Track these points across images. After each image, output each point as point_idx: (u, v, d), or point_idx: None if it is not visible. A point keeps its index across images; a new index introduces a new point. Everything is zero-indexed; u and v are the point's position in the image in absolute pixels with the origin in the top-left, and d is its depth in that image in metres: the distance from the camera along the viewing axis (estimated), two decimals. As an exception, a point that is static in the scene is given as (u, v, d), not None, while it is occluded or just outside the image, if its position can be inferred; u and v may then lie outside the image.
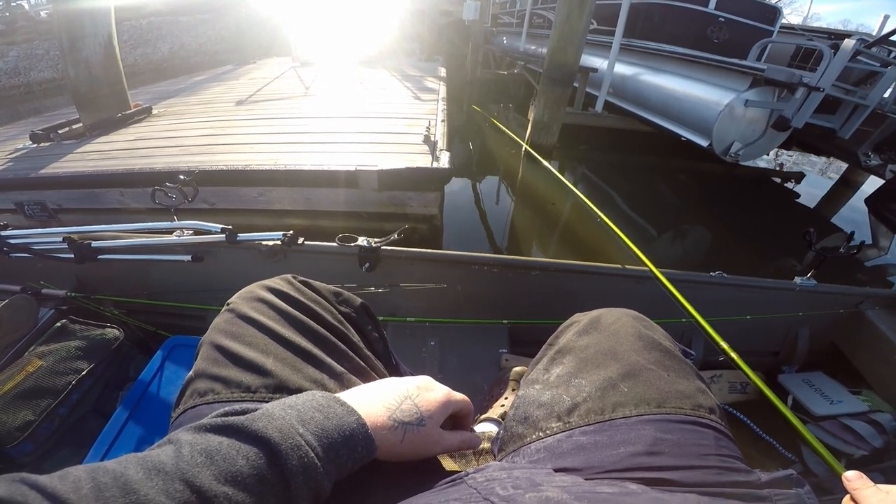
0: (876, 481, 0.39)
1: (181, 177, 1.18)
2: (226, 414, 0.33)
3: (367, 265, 1.14)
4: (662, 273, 1.13)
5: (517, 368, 0.98)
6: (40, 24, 8.42)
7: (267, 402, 0.38)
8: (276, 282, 0.52)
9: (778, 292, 1.24)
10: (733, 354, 0.90)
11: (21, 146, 2.61)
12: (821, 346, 1.34)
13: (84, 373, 0.95)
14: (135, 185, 2.07)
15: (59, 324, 1.05)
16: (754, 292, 1.24)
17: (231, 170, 2.01)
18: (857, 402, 1.17)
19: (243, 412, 0.33)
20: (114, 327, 1.08)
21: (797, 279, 1.24)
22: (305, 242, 1.15)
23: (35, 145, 2.63)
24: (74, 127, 2.83)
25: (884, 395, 1.18)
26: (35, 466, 0.83)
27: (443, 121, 2.78)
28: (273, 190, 2.05)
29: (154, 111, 3.33)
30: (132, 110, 3.10)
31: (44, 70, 8.13)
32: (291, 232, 1.13)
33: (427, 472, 0.44)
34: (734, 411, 0.97)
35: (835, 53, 2.71)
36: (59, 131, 2.73)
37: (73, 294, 1.14)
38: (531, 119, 3.77)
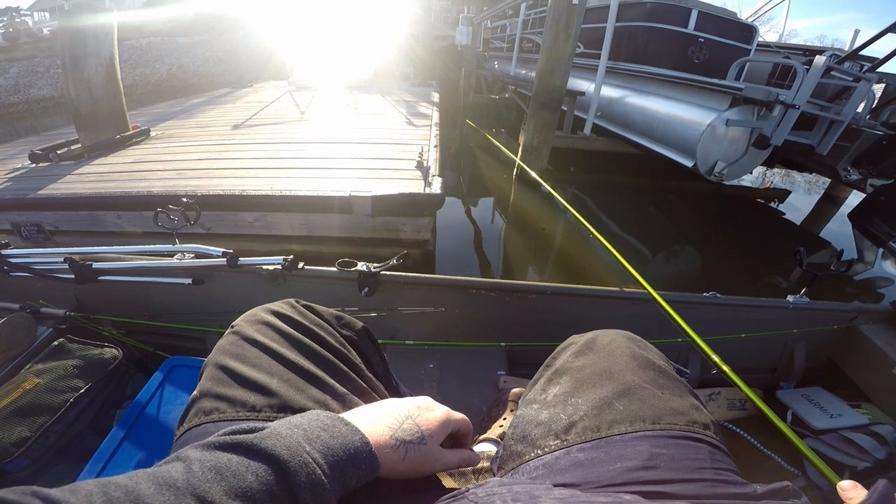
0: None
1: (184, 199, 1.21)
2: (234, 432, 0.34)
3: (366, 289, 1.16)
4: (646, 293, 1.14)
5: (515, 390, 0.99)
6: (42, 42, 8.52)
7: (271, 421, 0.39)
8: (279, 305, 0.53)
9: (772, 311, 1.26)
10: (725, 367, 0.92)
11: (19, 166, 2.65)
12: (818, 361, 1.36)
13: (81, 391, 0.96)
14: (132, 209, 2.10)
15: (56, 342, 1.05)
16: (748, 311, 1.25)
17: (229, 194, 2.06)
18: (856, 415, 1.17)
19: (251, 431, 0.34)
20: (112, 347, 1.08)
21: (790, 297, 1.25)
22: (306, 267, 1.16)
23: (34, 165, 2.67)
24: (73, 148, 2.87)
25: (883, 407, 1.19)
26: (30, 482, 0.82)
27: (436, 146, 2.84)
28: (269, 215, 2.09)
29: (152, 133, 3.38)
30: (131, 132, 3.15)
31: (43, 88, 8.20)
32: (292, 257, 1.15)
33: (428, 490, 0.45)
34: (734, 427, 0.97)
35: (808, 70, 2.79)
36: (58, 152, 2.76)
37: (71, 313, 1.14)
38: (521, 143, 3.85)
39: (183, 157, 2.75)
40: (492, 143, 3.47)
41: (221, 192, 2.06)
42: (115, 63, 2.90)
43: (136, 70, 9.24)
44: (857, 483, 0.41)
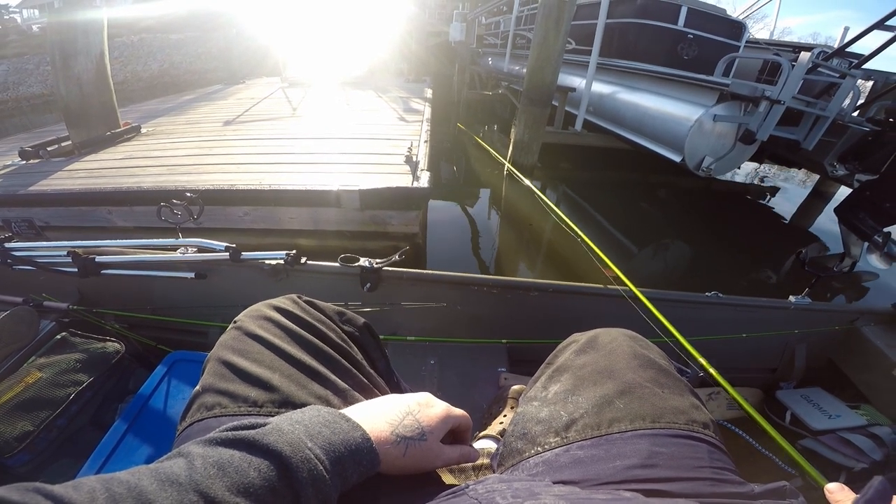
0: None
1: (188, 194, 1.21)
2: (236, 428, 0.34)
3: (368, 285, 1.16)
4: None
5: (516, 387, 0.99)
6: (32, 39, 8.48)
7: (273, 416, 0.39)
8: (282, 301, 0.54)
9: (773, 311, 1.26)
10: (718, 376, 0.92)
11: (10, 163, 2.64)
12: (818, 362, 1.36)
13: (84, 385, 0.96)
14: (123, 204, 2.11)
15: (59, 336, 1.05)
16: (749, 311, 1.25)
17: (223, 189, 2.08)
18: (855, 416, 1.18)
19: (253, 426, 0.34)
20: (114, 341, 1.09)
21: (791, 298, 1.26)
22: (308, 262, 1.17)
23: (24, 162, 2.66)
24: (64, 144, 2.86)
25: (882, 409, 1.19)
26: (31, 477, 0.83)
27: (426, 141, 2.86)
28: (259, 209, 2.11)
29: (143, 130, 3.38)
30: (122, 129, 3.14)
31: (33, 85, 8.15)
32: (294, 251, 1.15)
33: (428, 486, 0.45)
34: (732, 427, 0.97)
35: (793, 66, 2.82)
36: (49, 148, 2.76)
37: (74, 307, 1.14)
38: (512, 139, 3.87)
39: (174, 154, 2.76)
40: (485, 139, 3.48)
41: (212, 187, 2.08)
42: (106, 60, 2.89)
43: (128, 67, 9.19)
44: (844, 486, 0.41)
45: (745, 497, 0.39)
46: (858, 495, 0.34)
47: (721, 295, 1.22)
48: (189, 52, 10.43)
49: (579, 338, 0.59)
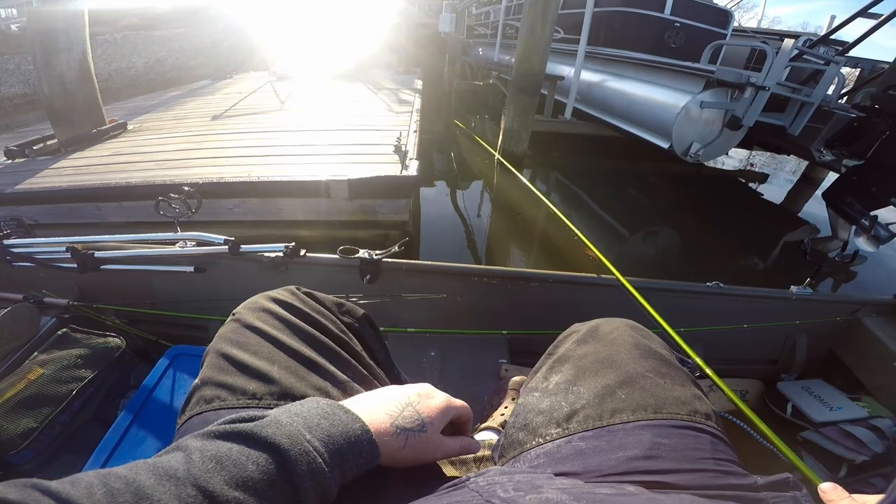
0: (878, 486, 0.41)
1: (185, 188, 1.21)
2: (234, 421, 0.33)
3: (367, 277, 1.16)
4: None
5: (516, 378, 0.98)
6: (11, 38, 8.28)
7: (272, 408, 0.38)
8: (280, 293, 0.53)
9: (774, 301, 1.25)
10: (708, 370, 0.93)
11: (-5, 162, 2.62)
12: (819, 353, 1.35)
13: (86, 381, 0.96)
14: (111, 200, 2.11)
15: (60, 332, 1.05)
16: (750, 301, 1.25)
17: (208, 182, 2.08)
18: (856, 408, 1.17)
19: (251, 419, 0.34)
20: (115, 336, 1.09)
21: (793, 288, 1.25)
22: (307, 255, 1.17)
23: (9, 161, 2.63)
24: (49, 143, 2.83)
25: (883, 401, 1.18)
26: (35, 474, 0.78)
27: (415, 131, 2.87)
28: (247, 201, 2.11)
29: (130, 127, 3.35)
30: (107, 126, 3.12)
31: (14, 85, 7.98)
32: (294, 244, 1.15)
33: (429, 478, 0.45)
34: (733, 419, 0.96)
35: (777, 53, 2.85)
36: (34, 147, 2.73)
37: (74, 303, 1.14)
38: (502, 128, 3.88)
39: (162, 149, 2.74)
40: (477, 130, 3.47)
41: (202, 181, 2.07)
42: (88, 57, 2.85)
43: (112, 64, 9.01)
44: (837, 485, 0.42)
45: (748, 489, 0.39)
46: (885, 495, 0.33)
47: (721, 285, 1.22)
48: (174, 48, 10.25)
49: (580, 328, 0.59)
